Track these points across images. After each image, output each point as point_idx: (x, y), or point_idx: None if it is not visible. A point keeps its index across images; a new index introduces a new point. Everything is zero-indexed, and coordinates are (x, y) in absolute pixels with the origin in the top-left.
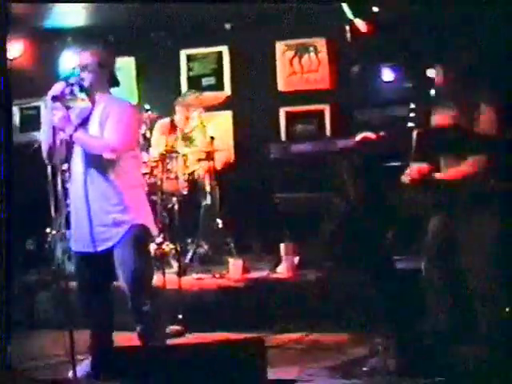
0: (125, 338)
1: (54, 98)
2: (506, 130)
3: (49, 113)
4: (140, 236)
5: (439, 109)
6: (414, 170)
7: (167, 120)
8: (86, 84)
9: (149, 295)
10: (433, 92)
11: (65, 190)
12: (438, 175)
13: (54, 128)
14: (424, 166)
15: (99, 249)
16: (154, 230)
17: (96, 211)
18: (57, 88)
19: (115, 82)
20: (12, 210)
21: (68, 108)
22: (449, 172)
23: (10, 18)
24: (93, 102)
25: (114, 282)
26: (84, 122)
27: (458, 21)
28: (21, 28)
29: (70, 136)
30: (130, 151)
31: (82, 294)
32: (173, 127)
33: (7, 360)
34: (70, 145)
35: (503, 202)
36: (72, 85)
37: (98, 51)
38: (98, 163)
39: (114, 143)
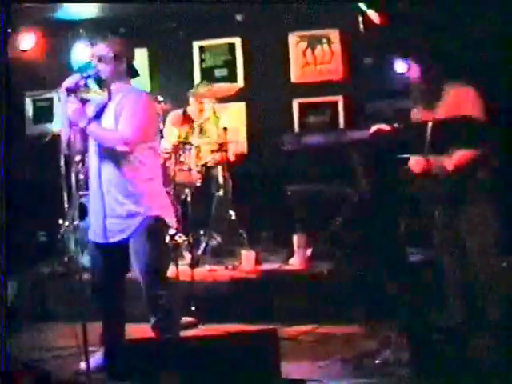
0: (138, 330)
1: (68, 90)
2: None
3: (63, 105)
4: (154, 227)
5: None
6: (413, 162)
7: (179, 111)
8: (102, 76)
9: (163, 288)
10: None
11: (78, 181)
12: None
13: (69, 121)
14: (421, 159)
15: (111, 240)
16: (172, 222)
17: (110, 203)
18: (71, 80)
19: (134, 73)
20: (24, 202)
21: (85, 100)
22: (448, 161)
23: (20, 9)
24: (109, 94)
25: (128, 274)
26: (100, 114)
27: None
28: (32, 20)
29: (84, 129)
30: (145, 143)
31: (96, 283)
32: (186, 118)
33: (14, 352)
34: (85, 137)
35: (504, 191)
36: (87, 77)
37: (114, 42)
38: (111, 155)
39: (127, 136)
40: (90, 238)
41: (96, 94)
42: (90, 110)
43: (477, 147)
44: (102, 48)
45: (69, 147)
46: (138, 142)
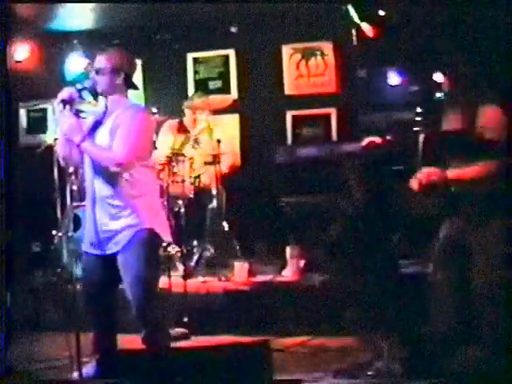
0: (130, 341)
1: (63, 102)
2: None
3: (59, 118)
4: (146, 240)
5: (446, 112)
6: (425, 173)
7: (176, 121)
8: (99, 88)
9: (152, 301)
10: (439, 95)
11: (72, 192)
12: (447, 175)
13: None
14: (434, 170)
15: (104, 252)
16: (166, 236)
17: (103, 216)
18: (66, 92)
19: (132, 86)
20: (17, 212)
21: (80, 112)
22: (456, 172)
23: (15, 20)
24: (106, 107)
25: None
26: (96, 127)
27: (461, 23)
28: (26, 30)
29: (78, 145)
30: (139, 162)
31: (88, 293)
32: (181, 128)
33: (8, 362)
34: (81, 150)
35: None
36: (82, 89)
37: (113, 55)
38: (105, 170)
39: (120, 157)
40: (85, 249)
41: (91, 106)
42: (87, 124)
43: (490, 161)
44: (101, 60)
45: (65, 160)
46: (130, 164)
